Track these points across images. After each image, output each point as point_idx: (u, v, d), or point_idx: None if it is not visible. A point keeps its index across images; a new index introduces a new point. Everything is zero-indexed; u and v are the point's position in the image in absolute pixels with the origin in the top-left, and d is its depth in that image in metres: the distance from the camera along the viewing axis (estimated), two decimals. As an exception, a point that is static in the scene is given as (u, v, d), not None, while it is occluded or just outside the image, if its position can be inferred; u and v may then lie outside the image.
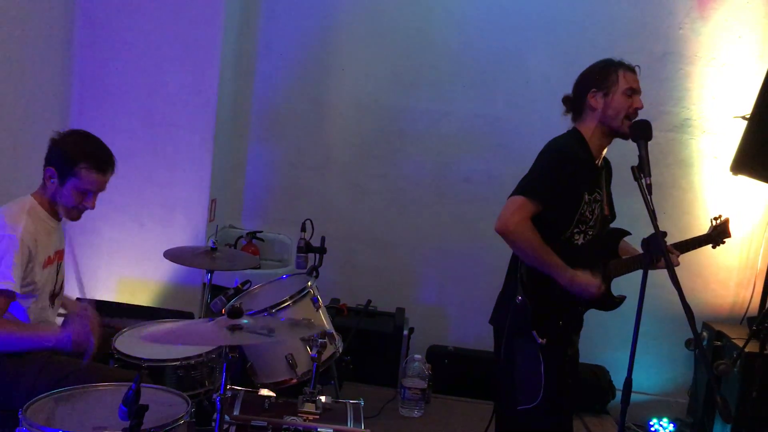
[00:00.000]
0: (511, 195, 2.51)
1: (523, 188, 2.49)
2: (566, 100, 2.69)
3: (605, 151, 2.67)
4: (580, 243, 2.57)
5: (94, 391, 2.22)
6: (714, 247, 2.95)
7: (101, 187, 2.58)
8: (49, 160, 2.54)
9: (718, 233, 2.94)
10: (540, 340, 2.49)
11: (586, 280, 2.49)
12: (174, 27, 4.00)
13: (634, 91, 2.56)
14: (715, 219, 2.96)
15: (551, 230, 2.49)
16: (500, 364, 2.65)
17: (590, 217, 2.57)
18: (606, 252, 2.63)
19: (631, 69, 2.60)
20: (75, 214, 2.61)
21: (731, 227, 2.99)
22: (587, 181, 2.56)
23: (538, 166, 2.54)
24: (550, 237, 2.48)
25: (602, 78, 2.57)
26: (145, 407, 1.85)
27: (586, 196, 2.54)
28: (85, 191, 2.53)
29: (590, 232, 2.60)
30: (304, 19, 4.58)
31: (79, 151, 2.51)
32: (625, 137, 2.55)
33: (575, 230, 2.55)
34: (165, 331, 2.30)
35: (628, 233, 2.73)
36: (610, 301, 2.64)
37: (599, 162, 2.65)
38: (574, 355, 2.75)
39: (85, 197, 2.55)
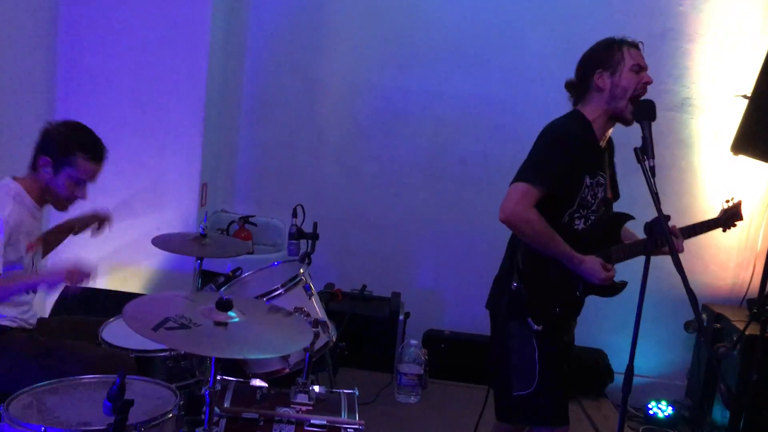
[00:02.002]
0: (513, 181, 2.42)
1: (525, 174, 2.40)
2: (570, 86, 2.59)
3: (609, 132, 2.58)
4: (580, 228, 2.50)
5: (79, 385, 2.16)
6: (724, 230, 2.82)
7: (94, 178, 2.60)
8: (43, 149, 2.53)
9: (729, 216, 2.79)
10: (536, 327, 2.44)
11: (592, 266, 2.43)
12: (161, 8, 3.90)
13: (641, 68, 2.47)
14: (727, 201, 2.83)
15: (550, 214, 2.41)
16: (495, 349, 2.61)
17: (592, 201, 2.50)
18: (608, 237, 2.55)
19: (635, 45, 2.51)
20: (66, 204, 2.61)
21: (743, 209, 2.87)
22: (589, 164, 2.48)
23: (540, 150, 2.44)
24: (548, 221, 2.40)
25: (608, 57, 2.47)
26: (130, 402, 1.79)
27: (588, 180, 2.46)
28: (79, 180, 2.55)
29: (592, 217, 2.53)
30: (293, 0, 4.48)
31: (76, 140, 2.53)
32: (626, 123, 2.49)
33: (576, 215, 2.48)
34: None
35: (631, 218, 2.62)
36: (611, 288, 2.55)
37: (603, 144, 2.55)
38: (570, 340, 2.70)
39: (79, 187, 2.56)
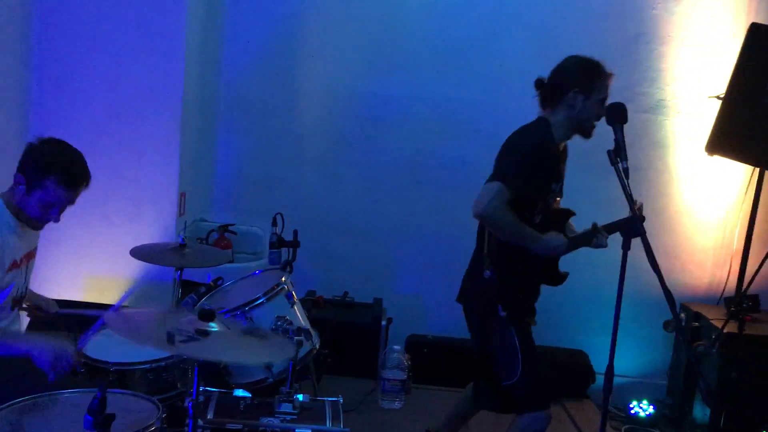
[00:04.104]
0: (489, 180, 2.59)
1: (502, 176, 2.56)
2: (540, 85, 2.72)
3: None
4: (537, 222, 2.70)
5: (60, 398, 2.13)
6: None
7: (70, 202, 2.49)
8: (21, 166, 2.43)
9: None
10: (502, 313, 2.63)
11: (556, 239, 2.65)
12: (136, 14, 3.87)
13: (605, 100, 2.66)
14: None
15: (517, 211, 2.60)
16: (478, 342, 2.83)
17: (551, 203, 2.75)
18: (557, 230, 2.74)
19: (609, 76, 2.69)
20: (37, 224, 2.52)
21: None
22: (556, 172, 2.70)
23: (516, 156, 2.61)
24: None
25: (588, 81, 2.64)
26: (112, 416, 1.77)
27: (554, 186, 2.70)
28: (50, 204, 2.43)
29: (546, 212, 2.75)
30: (271, 5, 4.47)
31: (51, 162, 2.41)
32: (586, 137, 2.71)
33: (536, 213, 2.69)
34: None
35: (573, 213, 2.86)
36: (557, 276, 2.81)
37: (562, 150, 2.78)
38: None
39: (50, 210, 2.45)
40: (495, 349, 2.72)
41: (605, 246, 2.74)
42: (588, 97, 2.62)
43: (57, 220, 2.49)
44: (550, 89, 2.68)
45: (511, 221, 2.56)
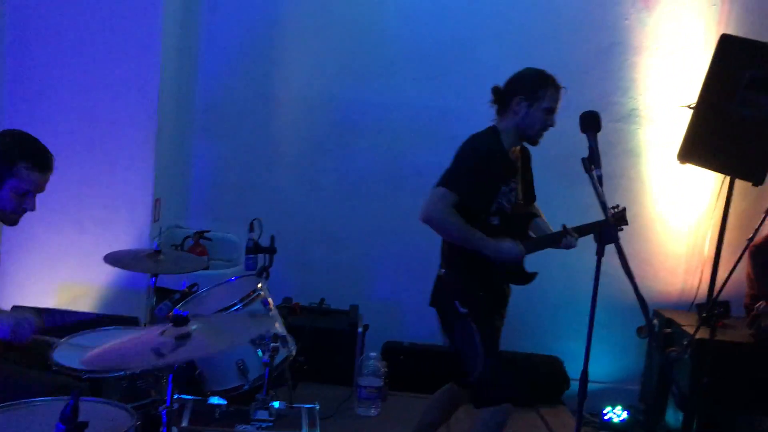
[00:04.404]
0: (436, 186, 2.75)
1: (446, 181, 2.72)
2: (495, 91, 2.85)
3: (519, 145, 2.89)
4: (496, 224, 2.79)
5: (31, 407, 2.09)
6: None
7: (41, 188, 2.50)
8: None
9: (616, 220, 3.10)
10: (462, 310, 2.73)
11: (508, 245, 2.72)
12: (111, 19, 3.83)
13: (552, 111, 2.77)
14: (613, 208, 3.10)
15: (470, 216, 2.72)
16: (449, 341, 2.92)
17: (507, 205, 2.81)
18: (518, 232, 2.84)
19: (559, 88, 2.78)
20: (14, 217, 2.51)
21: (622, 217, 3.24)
22: (504, 175, 2.80)
23: (461, 162, 2.76)
24: (468, 221, 2.71)
25: (533, 89, 2.75)
26: (85, 424, 1.74)
27: (503, 188, 2.78)
28: (25, 192, 2.44)
29: (508, 215, 2.84)
30: (248, 10, 4.46)
31: (18, 150, 2.43)
32: (533, 144, 2.86)
33: (492, 215, 2.79)
34: (102, 350, 2.16)
35: (536, 216, 3.00)
36: (524, 276, 2.88)
37: (515, 154, 2.88)
38: (500, 327, 2.95)
39: (26, 198, 2.46)
40: (459, 346, 2.81)
41: (574, 246, 2.83)
42: (532, 105, 2.73)
43: (34, 207, 2.50)
44: (501, 96, 2.81)
45: (456, 224, 2.68)
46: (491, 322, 2.83)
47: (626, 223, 3.20)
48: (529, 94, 2.74)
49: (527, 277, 2.89)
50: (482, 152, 2.75)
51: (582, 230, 2.86)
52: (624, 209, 3.15)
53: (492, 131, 2.82)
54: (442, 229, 2.75)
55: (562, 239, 2.81)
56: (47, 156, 2.49)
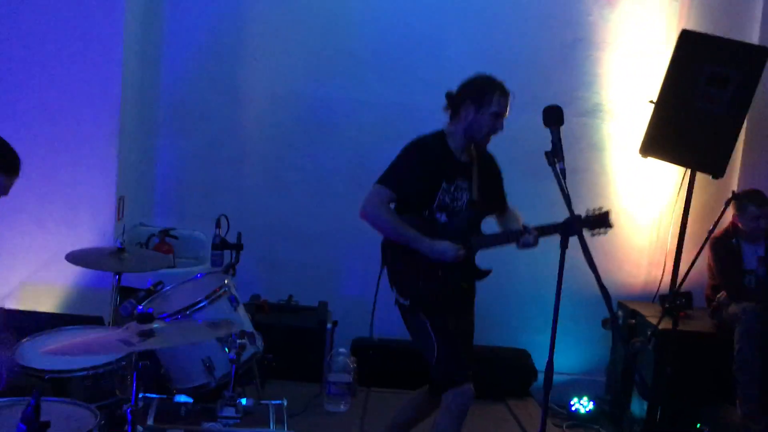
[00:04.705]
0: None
1: (380, 178, 2.82)
2: (448, 96, 2.91)
3: (471, 148, 2.92)
4: (442, 220, 2.83)
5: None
6: (591, 234, 2.88)
7: (5, 191, 2.47)
8: None
9: (594, 221, 2.87)
10: (403, 300, 2.81)
11: (443, 246, 2.74)
12: (72, 15, 3.77)
13: (499, 116, 2.81)
14: (595, 210, 2.91)
15: (412, 210, 2.80)
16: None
17: (450, 202, 2.84)
18: (470, 229, 2.87)
19: (506, 94, 2.82)
20: None
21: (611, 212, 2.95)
22: (445, 172, 2.83)
23: (396, 159, 2.86)
24: (412, 215, 2.79)
25: (480, 95, 2.80)
26: (47, 424, 1.72)
27: (444, 184, 2.81)
28: None
29: (456, 213, 2.86)
30: (212, 6, 4.43)
31: None
32: (481, 147, 2.91)
33: (437, 212, 2.83)
34: (67, 343, 2.14)
35: (484, 215, 2.99)
36: (476, 272, 2.91)
37: (463, 157, 2.90)
38: (468, 329, 2.93)
39: None
40: (414, 338, 2.87)
41: (533, 245, 2.77)
42: (478, 110, 2.78)
43: None
44: (452, 101, 2.88)
45: (389, 220, 2.76)
46: (441, 313, 2.81)
47: (609, 226, 2.90)
48: (477, 99, 2.79)
49: (479, 274, 2.92)
50: (414, 148, 2.85)
51: (545, 230, 2.79)
52: (607, 212, 2.90)
53: (437, 133, 2.91)
54: (376, 225, 2.82)
55: (519, 238, 2.78)
56: (14, 160, 2.45)
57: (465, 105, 2.81)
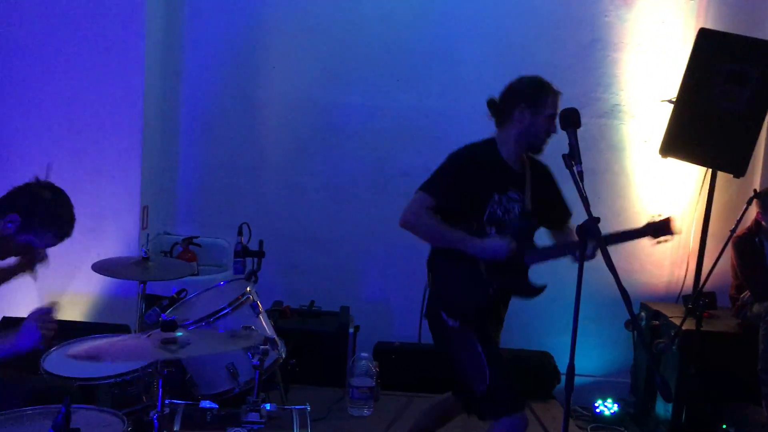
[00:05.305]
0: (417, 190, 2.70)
1: (424, 185, 2.69)
2: (492, 104, 2.79)
3: (524, 156, 2.80)
4: (492, 233, 2.70)
5: (25, 415, 2.10)
6: (657, 242, 2.79)
7: (45, 257, 2.58)
8: (18, 208, 2.38)
9: (655, 229, 2.76)
10: (453, 323, 2.64)
11: (495, 243, 2.63)
12: (94, 27, 3.86)
13: (554, 117, 2.69)
14: (653, 216, 2.80)
15: (460, 223, 2.66)
16: (446, 355, 2.76)
17: (502, 215, 2.71)
18: (521, 241, 2.71)
19: (557, 93, 2.74)
20: (4, 256, 2.50)
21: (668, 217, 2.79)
22: (497, 183, 2.71)
23: (441, 166, 2.72)
24: (459, 229, 2.64)
25: (535, 97, 2.69)
26: (77, 431, 1.76)
27: (496, 196, 2.69)
28: (35, 249, 2.48)
29: (508, 226, 2.72)
30: (231, 16, 4.48)
31: (55, 218, 2.43)
32: (536, 153, 2.78)
33: (487, 226, 2.70)
34: (93, 347, 2.18)
35: (543, 225, 2.86)
36: (529, 288, 2.78)
37: (516, 165, 2.78)
38: (497, 341, 2.86)
39: (29, 251, 2.50)
40: (458, 360, 2.70)
41: (591, 257, 2.51)
42: (535, 113, 2.68)
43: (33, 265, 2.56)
44: (501, 108, 2.75)
45: (432, 224, 2.64)
46: (489, 334, 2.72)
47: (671, 233, 2.72)
48: (531, 102, 2.69)
49: (534, 290, 2.77)
50: (463, 156, 2.72)
51: (611, 239, 2.66)
52: (668, 219, 2.72)
53: (488, 141, 2.78)
54: (418, 231, 2.71)
55: (576, 250, 2.51)
56: (72, 229, 2.48)
57: (519, 110, 2.69)
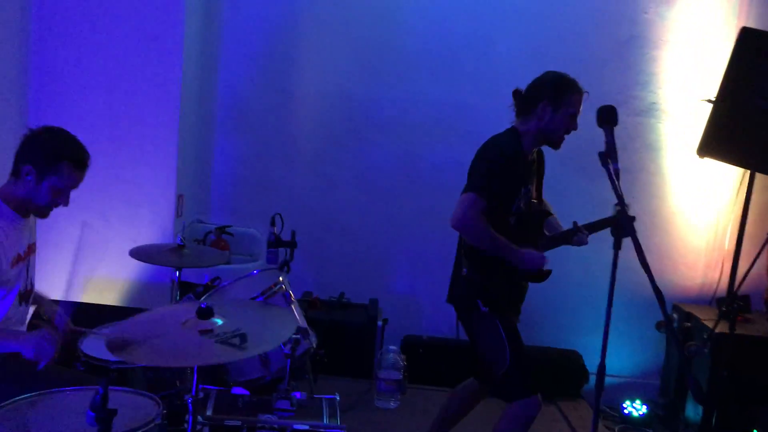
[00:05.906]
0: (463, 191, 2.71)
1: (475, 186, 2.68)
2: (516, 95, 2.84)
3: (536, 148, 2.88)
4: (512, 224, 2.80)
5: (62, 396, 2.15)
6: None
7: (76, 185, 2.55)
8: (27, 158, 2.46)
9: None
10: (484, 308, 2.74)
11: (534, 255, 2.75)
12: (134, 18, 3.90)
13: (576, 116, 2.77)
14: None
15: (490, 217, 2.69)
16: (470, 337, 2.91)
17: (523, 207, 2.82)
18: (534, 231, 2.86)
19: (582, 93, 2.77)
20: (47, 211, 2.56)
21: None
22: (524, 176, 2.80)
23: (488, 165, 2.71)
24: (489, 221, 2.69)
25: (558, 94, 2.74)
26: (114, 412, 1.80)
27: (523, 189, 2.79)
28: (63, 189, 2.49)
29: (522, 216, 2.85)
30: (268, 9, 4.52)
31: (61, 149, 2.48)
32: (554, 148, 2.84)
33: (510, 217, 2.80)
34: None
35: (549, 214, 2.98)
36: (540, 274, 2.85)
37: (531, 157, 2.86)
38: (516, 323, 2.95)
39: (61, 195, 2.51)
40: (481, 343, 2.83)
41: (585, 243, 2.83)
42: (556, 110, 2.72)
43: (67, 203, 2.55)
44: (524, 100, 2.80)
45: (488, 234, 2.67)
46: (509, 317, 2.84)
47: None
48: (554, 99, 2.72)
49: (542, 275, 2.88)
50: (508, 156, 2.73)
51: (593, 227, 2.83)
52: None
53: (513, 133, 2.80)
54: (473, 237, 2.73)
55: (573, 237, 2.80)
56: (86, 155, 2.53)
57: (541, 105, 2.74)
